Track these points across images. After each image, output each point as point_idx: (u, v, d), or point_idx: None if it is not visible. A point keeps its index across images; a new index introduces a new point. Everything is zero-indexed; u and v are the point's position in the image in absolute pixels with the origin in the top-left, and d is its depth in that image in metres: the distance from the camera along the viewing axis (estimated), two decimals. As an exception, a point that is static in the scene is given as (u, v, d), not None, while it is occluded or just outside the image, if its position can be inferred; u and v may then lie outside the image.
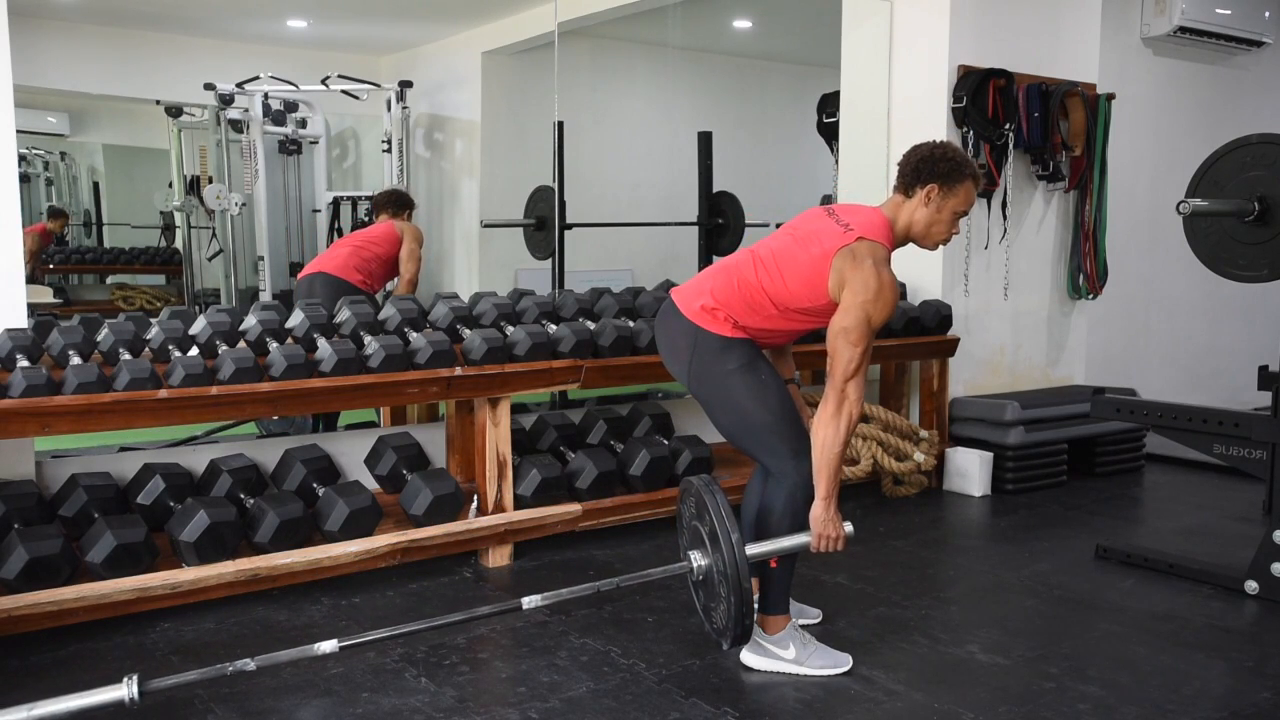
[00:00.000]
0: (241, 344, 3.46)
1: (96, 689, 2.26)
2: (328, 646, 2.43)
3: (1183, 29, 6.03)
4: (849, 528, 2.66)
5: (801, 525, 2.70)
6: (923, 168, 2.67)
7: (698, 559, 2.68)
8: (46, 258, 7.40)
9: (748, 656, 2.77)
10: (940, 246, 2.78)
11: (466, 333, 3.69)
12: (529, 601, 2.60)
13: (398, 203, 5.23)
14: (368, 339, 3.53)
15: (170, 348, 3.41)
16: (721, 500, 2.58)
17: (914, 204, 2.69)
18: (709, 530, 2.60)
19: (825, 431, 2.57)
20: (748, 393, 2.68)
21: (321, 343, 3.44)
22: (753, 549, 2.60)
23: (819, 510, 2.61)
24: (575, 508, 3.71)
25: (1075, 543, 3.90)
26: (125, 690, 2.25)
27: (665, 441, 3.99)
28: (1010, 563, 3.68)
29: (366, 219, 6.74)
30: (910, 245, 2.80)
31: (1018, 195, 4.99)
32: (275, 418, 4.53)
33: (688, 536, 2.78)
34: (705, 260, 6.10)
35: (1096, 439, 4.89)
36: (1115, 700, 2.59)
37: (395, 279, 5.15)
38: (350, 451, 3.83)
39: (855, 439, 4.40)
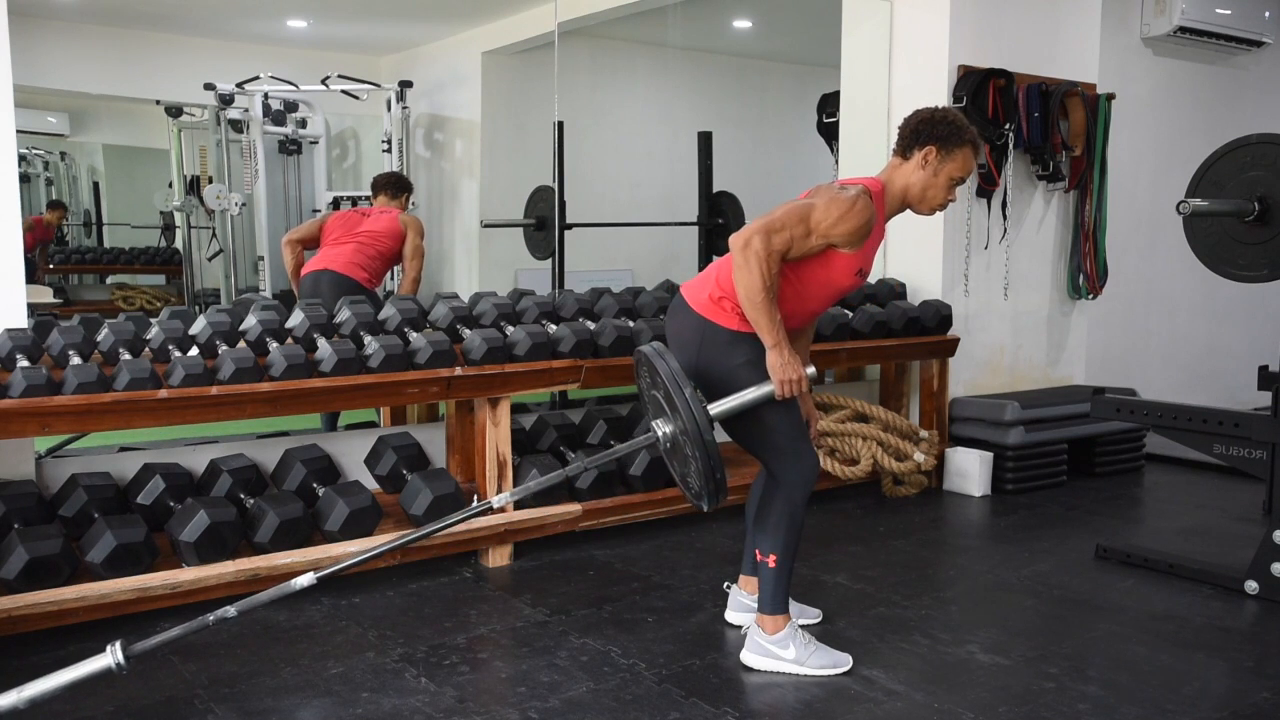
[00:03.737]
0: (241, 344, 3.46)
1: (82, 661, 2.27)
2: (305, 580, 2.45)
3: (1183, 29, 6.03)
4: (811, 370, 2.64)
5: (797, 519, 2.70)
6: (922, 129, 2.68)
7: (661, 426, 2.65)
8: (47, 258, 7.41)
9: (748, 656, 2.77)
10: (936, 213, 2.78)
11: (466, 333, 3.69)
12: (499, 500, 2.65)
13: (397, 185, 5.21)
14: (368, 339, 3.53)
15: (170, 348, 3.41)
16: (671, 363, 2.53)
17: (911, 166, 2.70)
18: (664, 395, 2.57)
19: (739, 280, 2.57)
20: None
21: (321, 343, 3.44)
22: (715, 406, 2.58)
23: (773, 358, 2.60)
24: (575, 508, 3.71)
25: (1075, 543, 3.90)
26: (110, 658, 2.25)
27: (665, 441, 3.99)
28: (1010, 563, 3.68)
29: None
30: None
31: (1018, 195, 4.99)
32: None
33: (650, 409, 2.76)
34: (705, 260, 6.11)
35: (1096, 439, 4.88)
36: (1115, 700, 2.59)
37: (396, 268, 5.14)
38: (350, 451, 3.83)
39: (855, 439, 4.40)
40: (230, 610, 2.38)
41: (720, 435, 2.95)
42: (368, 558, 2.55)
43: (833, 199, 2.59)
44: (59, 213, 7.50)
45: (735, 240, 2.58)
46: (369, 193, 5.42)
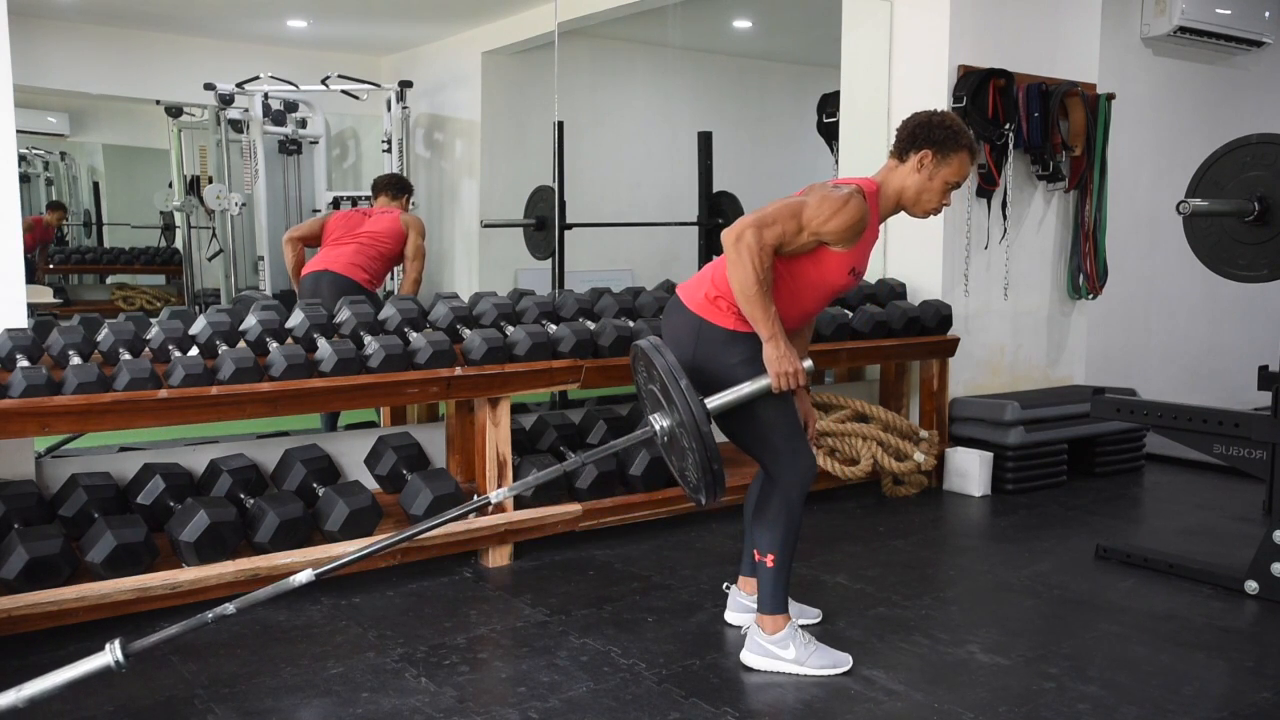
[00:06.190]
0: (241, 344, 3.46)
1: (81, 660, 2.27)
2: (303, 577, 2.44)
3: (1183, 29, 6.03)
4: (808, 363, 2.65)
5: (795, 518, 2.70)
6: (919, 133, 2.68)
7: (659, 421, 2.65)
8: (47, 258, 7.41)
9: (748, 656, 2.77)
10: (930, 216, 2.78)
11: (466, 333, 3.69)
12: (496, 495, 2.64)
13: (397, 186, 5.21)
14: (368, 339, 3.53)
15: (170, 348, 3.41)
16: (668, 356, 2.54)
17: (907, 169, 2.70)
18: (661, 388, 2.58)
19: (732, 275, 2.58)
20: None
21: (321, 343, 3.44)
22: (712, 400, 2.59)
23: (770, 350, 2.60)
24: (575, 508, 3.71)
25: (1075, 543, 3.90)
26: (109, 656, 2.25)
27: (665, 441, 3.99)
28: (1010, 563, 3.68)
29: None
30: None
31: (1018, 195, 4.99)
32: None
33: (648, 403, 2.77)
34: (705, 260, 6.10)
35: (1096, 439, 4.88)
36: (1115, 700, 2.59)
37: (397, 269, 5.14)
38: (350, 451, 3.83)
39: (855, 439, 4.40)
40: (229, 608, 2.38)
41: (718, 437, 2.95)
42: (367, 553, 2.54)
43: (825, 196, 2.60)
44: (59, 213, 7.50)
45: (728, 235, 2.59)
46: (369, 192, 5.42)
